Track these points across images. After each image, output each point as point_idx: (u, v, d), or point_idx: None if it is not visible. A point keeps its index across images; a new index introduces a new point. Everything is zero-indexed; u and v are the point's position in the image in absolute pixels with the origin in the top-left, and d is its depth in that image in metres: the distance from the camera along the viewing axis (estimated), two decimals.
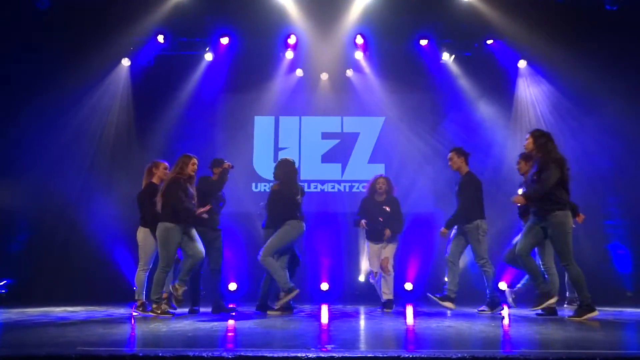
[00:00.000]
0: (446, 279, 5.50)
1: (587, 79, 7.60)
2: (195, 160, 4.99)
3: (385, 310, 5.35)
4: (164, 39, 7.96)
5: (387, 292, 5.43)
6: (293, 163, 5.37)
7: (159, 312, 4.79)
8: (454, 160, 5.44)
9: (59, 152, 7.58)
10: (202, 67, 8.28)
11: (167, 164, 5.32)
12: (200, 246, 4.90)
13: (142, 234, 5.12)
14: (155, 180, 5.24)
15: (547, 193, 4.45)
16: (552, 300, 4.67)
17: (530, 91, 8.16)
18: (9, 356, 2.27)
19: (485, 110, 8.12)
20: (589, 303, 4.47)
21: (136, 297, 5.10)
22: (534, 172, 4.59)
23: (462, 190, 5.34)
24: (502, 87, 8.20)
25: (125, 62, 8.12)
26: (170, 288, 4.91)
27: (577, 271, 4.52)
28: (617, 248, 7.49)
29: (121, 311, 5.41)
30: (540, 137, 4.66)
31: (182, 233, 4.79)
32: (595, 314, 4.44)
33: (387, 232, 5.49)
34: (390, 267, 5.43)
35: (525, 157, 5.12)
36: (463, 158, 5.45)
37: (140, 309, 5.02)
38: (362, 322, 4.32)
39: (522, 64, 8.11)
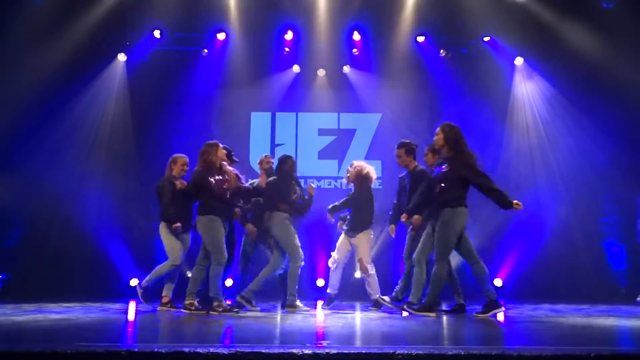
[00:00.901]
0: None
1: (583, 76, 7.63)
2: (221, 147, 4.86)
3: (371, 309, 5.20)
4: (160, 34, 7.93)
5: (372, 293, 5.24)
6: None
7: (220, 309, 4.62)
8: (402, 158, 5.25)
9: (54, 147, 7.55)
10: (198, 62, 8.25)
11: (186, 158, 5.24)
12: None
13: (161, 228, 5.05)
14: (175, 174, 5.15)
15: (443, 192, 4.40)
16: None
17: (527, 88, 8.18)
18: (4, 352, 2.26)
19: (481, 107, 8.12)
20: (432, 304, 4.44)
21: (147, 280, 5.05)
22: (444, 171, 4.46)
23: (422, 183, 5.03)
24: (498, 84, 8.21)
25: (121, 57, 8.08)
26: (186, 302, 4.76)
27: (443, 273, 4.40)
28: (612, 245, 7.53)
29: (117, 307, 5.40)
30: (451, 131, 4.55)
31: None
32: (433, 315, 4.37)
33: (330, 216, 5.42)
34: (367, 267, 5.23)
35: (433, 149, 5.05)
36: (412, 156, 5.27)
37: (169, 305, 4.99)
38: (358, 318, 4.32)
39: (518, 61, 8.12)
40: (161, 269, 5.02)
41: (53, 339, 2.92)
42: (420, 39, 8.09)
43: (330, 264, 5.45)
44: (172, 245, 4.99)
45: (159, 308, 4.99)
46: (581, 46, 7.45)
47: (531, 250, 7.58)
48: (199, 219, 4.69)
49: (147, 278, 5.04)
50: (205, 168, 4.71)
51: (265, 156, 5.57)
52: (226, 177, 4.78)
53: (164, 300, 5.03)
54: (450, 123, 4.66)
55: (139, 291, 5.02)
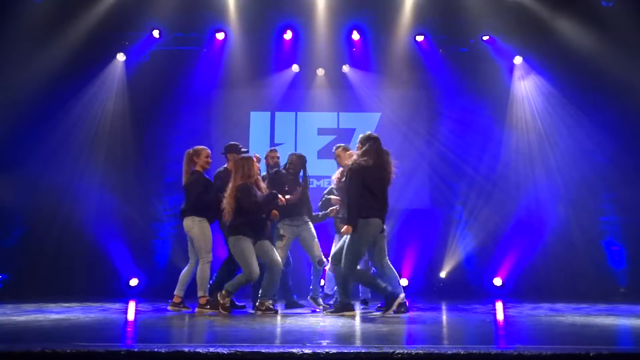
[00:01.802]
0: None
1: (582, 75, 7.64)
2: (255, 161, 4.73)
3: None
4: (159, 34, 7.93)
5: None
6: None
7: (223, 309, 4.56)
8: (342, 157, 5.22)
9: (54, 147, 7.55)
10: (197, 62, 8.25)
11: (209, 150, 5.02)
12: (275, 256, 4.72)
13: (190, 222, 4.80)
14: (198, 169, 4.92)
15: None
16: (400, 300, 4.42)
17: (526, 87, 8.18)
18: (4, 352, 2.26)
19: (480, 106, 8.13)
20: (347, 302, 4.48)
21: (199, 295, 4.74)
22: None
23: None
24: (497, 83, 8.21)
25: (121, 57, 8.07)
26: (218, 296, 4.61)
27: (349, 278, 4.42)
28: (611, 244, 7.54)
29: (116, 306, 5.40)
30: (362, 143, 4.56)
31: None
32: (352, 313, 4.44)
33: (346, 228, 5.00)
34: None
35: (344, 147, 5.15)
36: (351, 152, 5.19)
37: (208, 306, 4.72)
38: (358, 318, 4.33)
39: (517, 60, 8.12)
40: (204, 274, 4.76)
41: (53, 339, 2.92)
42: (419, 38, 8.10)
43: (328, 270, 5.39)
44: (207, 242, 4.81)
45: (169, 307, 4.89)
46: (581, 45, 7.44)
47: (530, 249, 7.59)
48: (230, 240, 4.61)
49: (201, 293, 4.75)
50: (245, 184, 4.58)
51: (270, 151, 5.53)
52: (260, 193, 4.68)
53: (176, 300, 4.90)
54: (369, 134, 4.65)
55: (205, 310, 4.70)
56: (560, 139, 7.86)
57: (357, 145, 4.63)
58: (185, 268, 4.98)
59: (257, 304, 4.66)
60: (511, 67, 8.22)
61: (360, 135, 4.67)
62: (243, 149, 5.25)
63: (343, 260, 4.43)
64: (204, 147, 5.07)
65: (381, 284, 4.47)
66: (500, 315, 4.67)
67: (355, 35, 8.11)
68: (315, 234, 5.20)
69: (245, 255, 4.51)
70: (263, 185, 4.83)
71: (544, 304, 5.81)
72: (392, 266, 4.75)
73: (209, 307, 4.70)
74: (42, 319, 4.07)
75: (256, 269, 4.51)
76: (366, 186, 4.39)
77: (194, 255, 4.93)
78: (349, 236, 4.44)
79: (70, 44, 7.45)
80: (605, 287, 7.15)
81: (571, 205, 7.62)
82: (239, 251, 4.54)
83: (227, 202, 4.57)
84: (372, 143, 4.54)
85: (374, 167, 4.44)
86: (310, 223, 5.21)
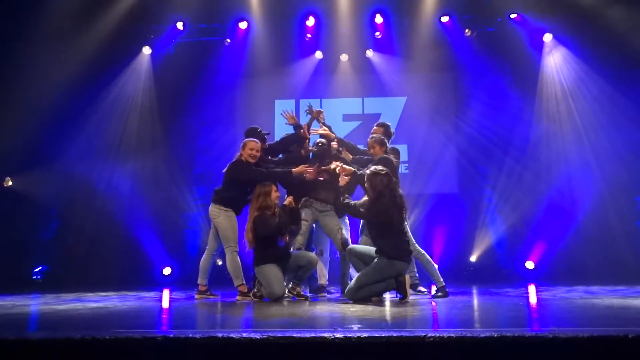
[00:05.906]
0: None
1: (616, 51, 7.34)
2: (275, 188, 4.78)
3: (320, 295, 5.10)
4: (183, 25, 8.00)
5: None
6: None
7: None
8: (375, 149, 5.24)
9: (86, 141, 7.75)
10: (221, 52, 8.30)
11: (255, 142, 4.92)
12: (311, 254, 4.84)
13: (216, 209, 4.85)
14: (243, 160, 4.89)
15: None
16: (408, 281, 4.37)
17: (557, 65, 7.93)
18: (47, 339, 2.35)
19: (509, 86, 7.93)
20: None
21: (237, 284, 4.82)
22: None
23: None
24: (526, 62, 7.98)
25: (146, 50, 8.20)
26: (289, 288, 4.75)
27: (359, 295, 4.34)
28: None
29: (151, 295, 5.54)
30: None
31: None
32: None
33: None
34: None
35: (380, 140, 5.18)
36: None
37: (249, 295, 4.77)
38: (388, 303, 4.33)
39: (547, 37, 7.86)
40: (234, 264, 4.81)
41: (92, 326, 3.02)
42: (445, 19, 7.93)
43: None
44: (234, 231, 4.86)
45: (196, 297, 5.00)
46: (613, 19, 7.15)
47: (564, 231, 7.43)
48: (255, 269, 4.68)
49: (238, 282, 4.82)
50: (261, 213, 4.66)
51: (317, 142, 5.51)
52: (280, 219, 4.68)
53: (201, 288, 5.02)
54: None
55: (247, 298, 4.76)
56: (594, 117, 7.61)
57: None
58: (204, 255, 5.06)
59: (289, 286, 4.76)
60: (541, 45, 7.96)
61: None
62: (264, 132, 5.24)
63: (358, 280, 4.36)
64: (252, 139, 4.96)
65: (381, 287, 4.37)
66: (533, 298, 4.59)
67: (378, 19, 8.00)
68: (337, 220, 5.06)
69: (268, 276, 4.58)
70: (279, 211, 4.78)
71: (579, 286, 5.67)
72: (423, 251, 4.81)
73: (251, 295, 4.75)
74: (81, 307, 4.21)
75: (276, 289, 4.52)
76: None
77: (213, 242, 5.01)
78: (377, 260, 4.36)
79: (97, 40, 7.59)
80: None
81: (606, 185, 7.39)
82: (263, 273, 4.62)
83: (247, 234, 4.68)
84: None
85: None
86: (333, 210, 5.08)
